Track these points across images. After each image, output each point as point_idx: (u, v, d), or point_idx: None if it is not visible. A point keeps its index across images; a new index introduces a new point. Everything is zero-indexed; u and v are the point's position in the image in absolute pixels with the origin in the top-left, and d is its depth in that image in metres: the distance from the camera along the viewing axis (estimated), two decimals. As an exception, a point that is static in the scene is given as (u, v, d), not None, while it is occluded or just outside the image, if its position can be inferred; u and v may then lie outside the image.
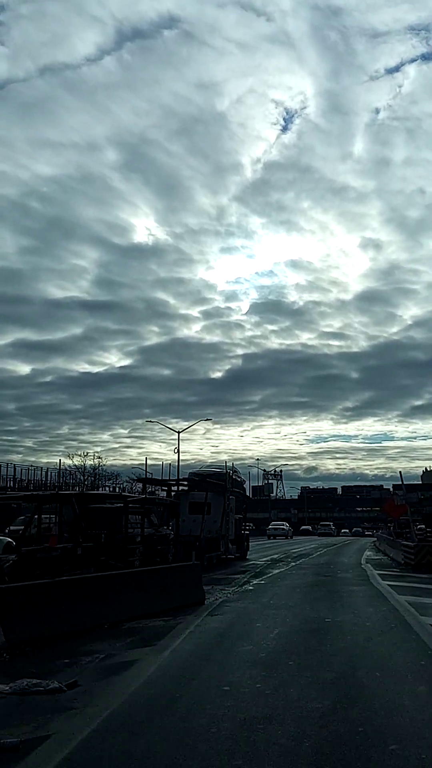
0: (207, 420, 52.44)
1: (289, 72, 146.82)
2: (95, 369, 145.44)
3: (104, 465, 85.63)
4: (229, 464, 28.28)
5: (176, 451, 44.73)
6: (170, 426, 43.88)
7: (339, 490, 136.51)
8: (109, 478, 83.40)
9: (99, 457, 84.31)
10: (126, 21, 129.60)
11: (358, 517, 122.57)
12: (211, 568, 20.66)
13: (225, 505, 24.01)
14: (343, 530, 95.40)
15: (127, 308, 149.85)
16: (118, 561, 14.07)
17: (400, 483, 30.49)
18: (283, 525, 59.41)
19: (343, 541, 53.37)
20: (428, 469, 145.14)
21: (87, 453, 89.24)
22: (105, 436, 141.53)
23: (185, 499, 22.87)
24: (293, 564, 23.74)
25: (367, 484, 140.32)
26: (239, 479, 30.69)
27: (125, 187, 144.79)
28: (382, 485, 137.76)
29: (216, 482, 24.21)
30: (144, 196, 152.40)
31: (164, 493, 26.40)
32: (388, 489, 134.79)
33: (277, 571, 20.47)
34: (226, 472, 26.18)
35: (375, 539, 55.57)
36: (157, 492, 30.95)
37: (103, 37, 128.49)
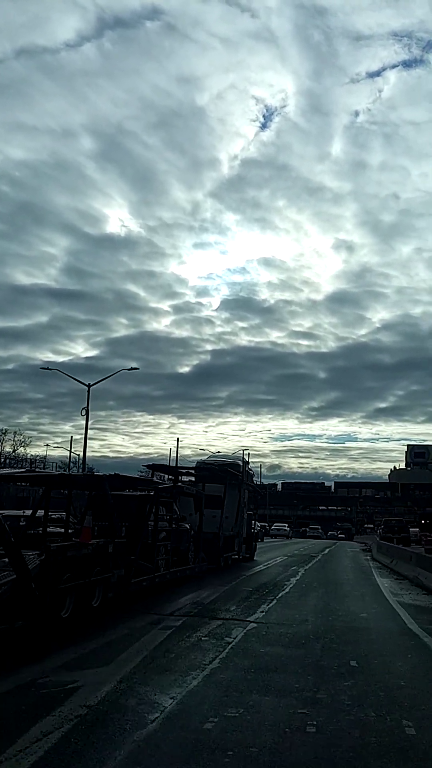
0: (132, 369, 35.13)
1: (271, 69, 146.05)
2: (60, 358, 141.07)
3: (22, 450, 75.87)
4: (237, 454, 27.73)
5: (83, 413, 29.90)
6: (80, 380, 28.08)
7: (279, 487, 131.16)
8: (32, 463, 75.09)
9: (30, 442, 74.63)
10: (108, 9, 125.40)
11: (323, 516, 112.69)
12: (228, 570, 19.03)
13: (240, 500, 21.93)
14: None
15: (96, 299, 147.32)
16: (148, 561, 12.18)
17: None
18: (284, 526, 64.36)
19: (321, 548, 38.46)
20: (396, 468, 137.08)
21: (6, 431, 78.50)
22: (66, 427, 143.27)
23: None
24: (239, 634, 8.83)
25: (306, 481, 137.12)
26: (251, 471, 27.86)
27: (100, 176, 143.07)
28: (323, 482, 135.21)
29: (234, 473, 21.57)
30: (118, 187, 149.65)
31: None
32: (330, 486, 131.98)
33: (169, 702, 5.55)
34: (243, 461, 24.19)
35: (363, 546, 41.41)
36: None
37: (84, 23, 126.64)
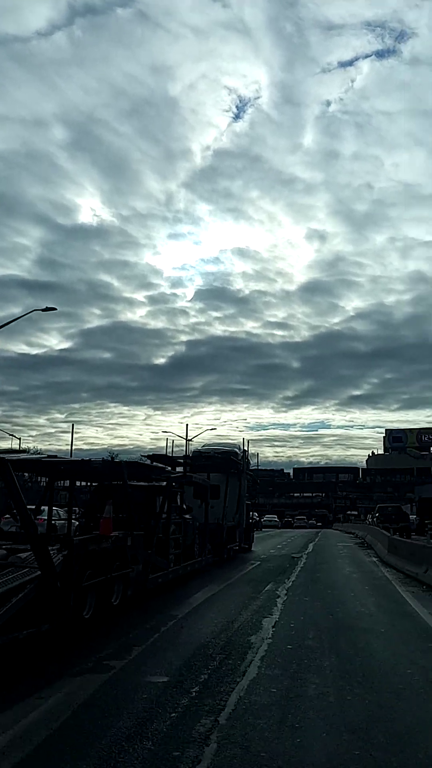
0: (49, 310, 26.92)
1: (244, 60, 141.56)
2: (33, 351, 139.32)
3: None
4: (233, 442, 26.57)
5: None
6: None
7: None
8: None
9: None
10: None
11: (299, 503, 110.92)
12: (230, 562, 18.37)
13: (240, 489, 21.39)
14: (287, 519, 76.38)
15: (69, 289, 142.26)
16: (162, 556, 11.87)
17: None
18: (274, 517, 66.23)
19: (303, 542, 31.42)
20: (374, 453, 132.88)
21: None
22: (41, 420, 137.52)
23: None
24: None
25: (265, 468, 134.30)
26: (248, 460, 26.70)
27: (71, 166, 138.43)
28: (282, 469, 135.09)
29: (235, 461, 20.98)
30: (90, 177, 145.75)
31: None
32: (289, 473, 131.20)
33: None
34: (243, 450, 24.27)
35: (356, 540, 34.81)
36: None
37: (54, 11, 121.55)
